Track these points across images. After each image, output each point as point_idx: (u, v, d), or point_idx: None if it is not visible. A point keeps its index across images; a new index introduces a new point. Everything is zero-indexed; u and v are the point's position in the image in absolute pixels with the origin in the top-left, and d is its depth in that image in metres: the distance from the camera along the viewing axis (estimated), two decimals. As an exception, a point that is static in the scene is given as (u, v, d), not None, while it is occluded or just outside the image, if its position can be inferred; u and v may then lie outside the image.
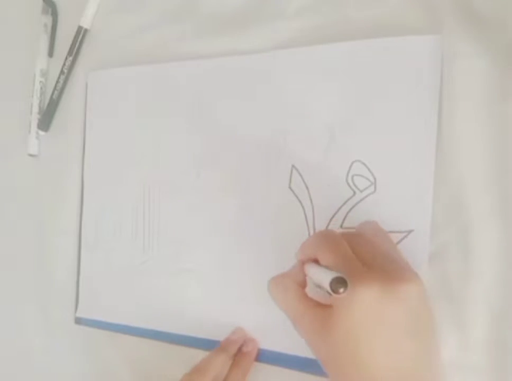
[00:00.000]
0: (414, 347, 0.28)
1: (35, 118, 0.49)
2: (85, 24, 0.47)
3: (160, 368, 0.42)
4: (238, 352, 0.38)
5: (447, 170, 0.34)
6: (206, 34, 0.42)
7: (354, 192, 0.36)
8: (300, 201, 0.37)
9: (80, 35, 0.47)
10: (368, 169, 0.35)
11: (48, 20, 0.49)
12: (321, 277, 0.28)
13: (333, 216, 0.36)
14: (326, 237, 0.31)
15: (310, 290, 0.31)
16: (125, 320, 0.44)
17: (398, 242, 0.34)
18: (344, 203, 0.36)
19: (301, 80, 0.38)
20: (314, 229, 0.37)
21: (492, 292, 0.33)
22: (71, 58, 0.48)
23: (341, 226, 0.36)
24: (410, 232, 0.34)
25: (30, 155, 0.49)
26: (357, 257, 0.29)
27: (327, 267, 0.29)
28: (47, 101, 0.49)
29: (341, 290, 0.26)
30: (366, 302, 0.27)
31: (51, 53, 0.49)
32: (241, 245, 0.39)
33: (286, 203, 0.38)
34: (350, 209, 0.36)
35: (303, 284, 0.32)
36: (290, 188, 0.38)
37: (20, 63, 0.51)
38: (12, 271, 0.51)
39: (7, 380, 0.51)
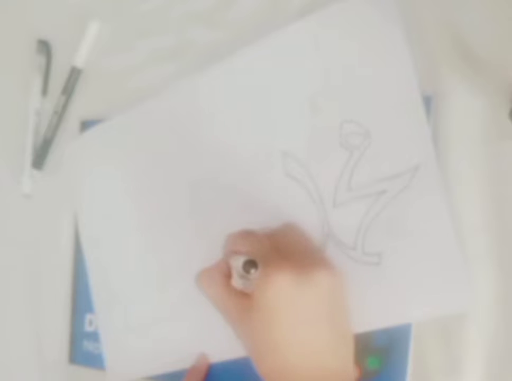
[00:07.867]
0: (329, 332, 0.29)
1: (28, 157, 0.49)
2: (79, 63, 0.48)
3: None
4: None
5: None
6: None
7: (351, 152, 0.35)
8: (300, 184, 0.37)
9: (74, 75, 0.48)
10: (358, 124, 0.35)
11: (42, 59, 0.49)
12: (237, 263, 0.30)
13: (338, 184, 0.36)
14: (247, 233, 0.33)
15: (235, 281, 0.32)
16: (165, 368, 0.41)
17: (409, 182, 0.34)
18: (345, 166, 0.36)
19: (270, 72, 0.38)
20: (323, 206, 0.36)
21: (489, 336, 0.33)
22: (64, 97, 0.48)
23: (348, 189, 0.35)
24: (417, 167, 0.34)
25: (24, 194, 0.49)
26: (276, 250, 0.32)
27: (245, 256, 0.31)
28: (41, 139, 0.49)
29: (252, 270, 0.28)
30: (280, 288, 0.29)
31: (44, 92, 0.50)
32: None
33: (289, 192, 0.37)
34: (353, 169, 0.35)
35: (228, 275, 0.33)
36: (286, 175, 0.37)
37: (13, 102, 0.51)
38: (5, 312, 0.50)
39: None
